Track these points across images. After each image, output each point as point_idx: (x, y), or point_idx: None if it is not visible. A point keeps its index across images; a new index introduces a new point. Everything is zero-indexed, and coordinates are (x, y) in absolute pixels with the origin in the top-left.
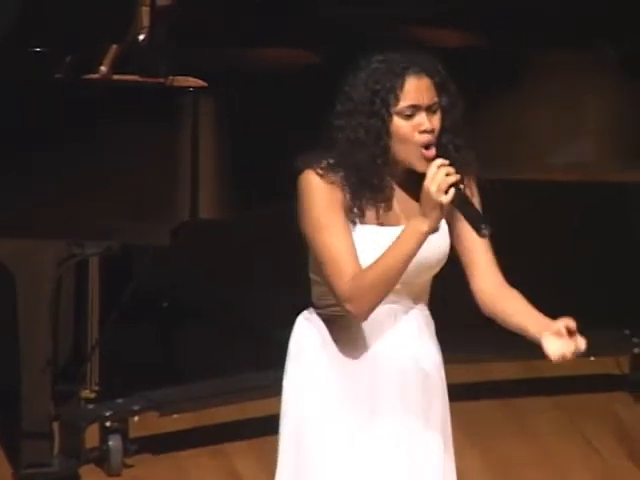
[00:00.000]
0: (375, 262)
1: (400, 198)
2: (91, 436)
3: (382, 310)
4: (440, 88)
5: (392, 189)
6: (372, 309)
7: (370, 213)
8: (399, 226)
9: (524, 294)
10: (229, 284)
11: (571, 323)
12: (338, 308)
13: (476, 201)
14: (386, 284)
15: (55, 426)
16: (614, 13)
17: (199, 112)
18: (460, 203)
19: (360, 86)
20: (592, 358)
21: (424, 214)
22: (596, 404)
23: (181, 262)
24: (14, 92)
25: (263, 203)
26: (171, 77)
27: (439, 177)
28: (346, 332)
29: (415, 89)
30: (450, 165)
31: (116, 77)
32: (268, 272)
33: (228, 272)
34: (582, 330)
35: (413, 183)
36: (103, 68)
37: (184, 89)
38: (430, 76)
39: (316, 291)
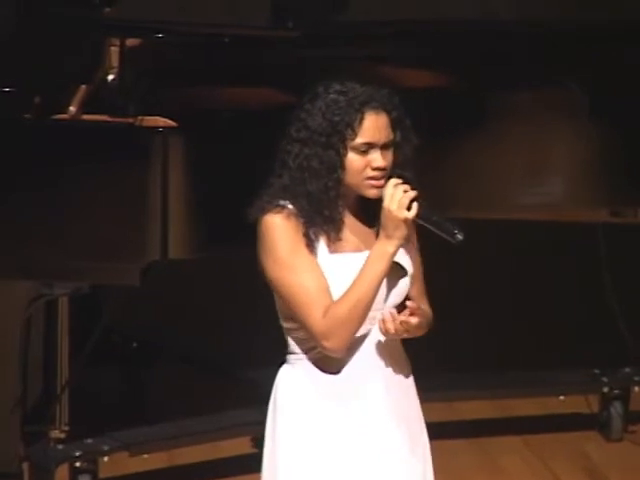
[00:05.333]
0: (345, 293)
1: (351, 226)
2: (61, 477)
3: (361, 342)
4: (396, 123)
5: (343, 218)
6: (348, 342)
7: (322, 241)
8: (351, 253)
9: (496, 335)
10: (198, 324)
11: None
12: (319, 349)
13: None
14: (360, 312)
15: (25, 467)
16: (581, 52)
17: (169, 152)
18: (425, 215)
19: (317, 115)
20: (562, 397)
21: (387, 235)
22: (566, 443)
23: (150, 302)
24: None
25: (234, 244)
26: (140, 117)
27: (398, 195)
28: (334, 373)
29: (373, 126)
30: (405, 183)
31: (85, 117)
32: (238, 312)
33: (197, 312)
34: (552, 369)
35: (363, 210)
36: (72, 108)
37: (154, 129)
38: (387, 112)
39: (293, 337)
